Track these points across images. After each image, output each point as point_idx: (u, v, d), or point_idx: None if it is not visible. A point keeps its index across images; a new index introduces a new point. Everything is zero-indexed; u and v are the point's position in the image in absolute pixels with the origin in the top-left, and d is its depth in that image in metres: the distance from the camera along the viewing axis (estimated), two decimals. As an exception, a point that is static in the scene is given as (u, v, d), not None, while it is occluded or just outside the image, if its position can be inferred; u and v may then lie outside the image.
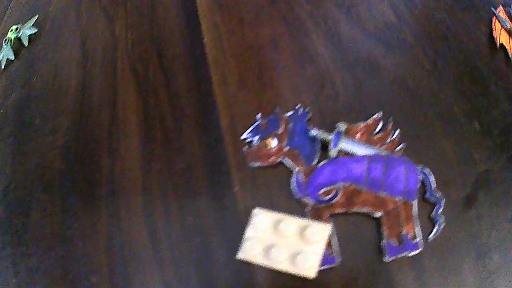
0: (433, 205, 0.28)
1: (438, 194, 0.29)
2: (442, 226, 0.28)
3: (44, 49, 0.36)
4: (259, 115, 0.28)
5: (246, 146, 0.27)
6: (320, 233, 0.25)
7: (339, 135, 0.28)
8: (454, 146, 0.31)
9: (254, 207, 0.25)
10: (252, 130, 0.28)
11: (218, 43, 0.31)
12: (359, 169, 0.27)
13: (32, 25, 0.37)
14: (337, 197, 0.26)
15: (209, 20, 0.32)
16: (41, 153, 0.29)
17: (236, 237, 0.24)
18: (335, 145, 0.27)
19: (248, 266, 0.24)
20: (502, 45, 0.36)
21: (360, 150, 0.28)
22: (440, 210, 0.28)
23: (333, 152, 0.27)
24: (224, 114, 0.28)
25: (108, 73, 0.30)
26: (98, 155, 0.27)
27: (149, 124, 0.28)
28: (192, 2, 0.33)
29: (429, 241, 0.27)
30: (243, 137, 0.27)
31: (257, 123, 0.28)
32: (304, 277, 0.24)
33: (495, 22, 0.38)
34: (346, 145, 0.28)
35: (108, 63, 0.30)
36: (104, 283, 0.24)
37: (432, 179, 0.29)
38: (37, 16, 0.38)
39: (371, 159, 0.28)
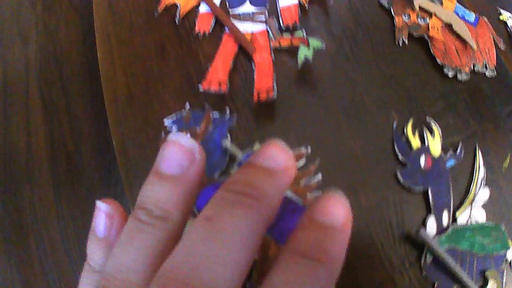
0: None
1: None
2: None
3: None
4: (187, 105, 0.28)
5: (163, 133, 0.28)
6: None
7: (248, 156, 0.27)
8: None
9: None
10: (175, 119, 0.28)
11: (109, 56, 0.30)
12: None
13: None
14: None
15: (103, 32, 0.31)
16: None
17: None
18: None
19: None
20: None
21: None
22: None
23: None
24: (115, 133, 0.29)
25: (22, 100, 0.32)
26: (19, 183, 0.31)
27: (55, 150, 0.30)
28: (89, 13, 0.32)
29: None
30: (165, 123, 0.28)
31: (182, 113, 0.28)
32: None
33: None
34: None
35: (22, 89, 0.33)
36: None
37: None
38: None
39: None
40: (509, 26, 0.39)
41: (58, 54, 0.32)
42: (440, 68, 0.32)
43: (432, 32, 0.33)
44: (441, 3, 0.35)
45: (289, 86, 0.29)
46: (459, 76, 0.33)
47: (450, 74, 0.32)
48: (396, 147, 0.28)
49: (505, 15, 0.40)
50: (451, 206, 0.29)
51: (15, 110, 0.32)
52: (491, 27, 0.37)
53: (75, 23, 0.33)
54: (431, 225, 0.28)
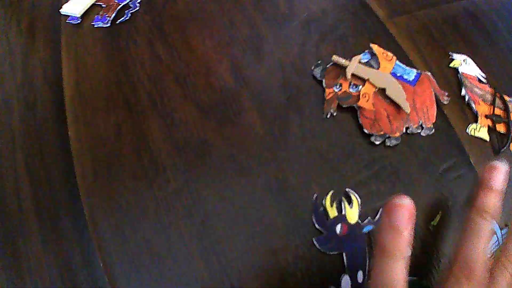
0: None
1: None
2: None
3: None
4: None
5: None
6: None
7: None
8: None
9: None
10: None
11: (78, 135, 0.36)
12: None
13: None
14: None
15: (72, 112, 0.37)
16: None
17: None
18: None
19: None
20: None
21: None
22: None
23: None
24: (85, 205, 0.36)
25: (11, 166, 0.37)
26: (15, 238, 0.37)
27: (41, 213, 0.37)
28: (62, 89, 0.38)
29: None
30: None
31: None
32: None
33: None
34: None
35: (9, 156, 0.38)
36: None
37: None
38: None
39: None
40: (460, 73, 0.39)
41: (38, 127, 0.38)
42: (368, 137, 0.35)
43: (361, 102, 0.35)
44: (379, 66, 0.37)
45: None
46: (387, 142, 0.35)
47: (377, 141, 0.35)
48: (313, 218, 0.33)
49: (458, 60, 0.40)
50: (367, 266, 0.33)
51: (5, 175, 0.39)
52: (434, 81, 0.38)
53: (49, 97, 0.39)
54: (345, 283, 0.33)
